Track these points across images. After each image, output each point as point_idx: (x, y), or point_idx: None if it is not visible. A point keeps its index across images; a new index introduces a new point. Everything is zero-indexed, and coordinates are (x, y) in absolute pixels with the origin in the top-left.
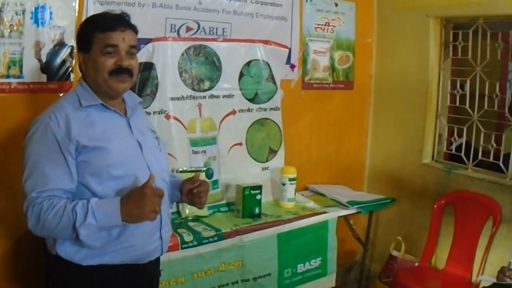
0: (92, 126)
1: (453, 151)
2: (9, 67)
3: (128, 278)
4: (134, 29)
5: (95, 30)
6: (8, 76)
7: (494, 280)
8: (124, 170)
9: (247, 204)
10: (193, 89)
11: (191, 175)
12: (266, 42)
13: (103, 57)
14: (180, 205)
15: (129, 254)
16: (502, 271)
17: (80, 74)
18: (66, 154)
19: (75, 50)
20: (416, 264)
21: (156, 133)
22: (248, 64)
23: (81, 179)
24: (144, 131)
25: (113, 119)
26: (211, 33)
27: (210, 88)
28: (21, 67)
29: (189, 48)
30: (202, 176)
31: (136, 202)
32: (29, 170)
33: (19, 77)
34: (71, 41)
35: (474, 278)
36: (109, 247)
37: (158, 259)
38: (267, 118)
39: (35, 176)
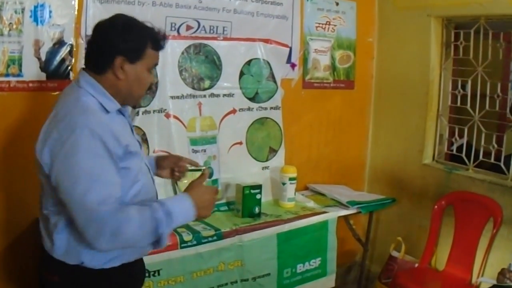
0: (122, 131)
1: (454, 152)
2: (8, 66)
3: (137, 271)
4: None
5: (148, 44)
6: (7, 75)
7: (495, 282)
8: (141, 172)
9: (247, 203)
10: (193, 88)
11: (193, 173)
12: (266, 41)
13: (148, 74)
14: None
15: (141, 249)
16: (502, 273)
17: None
18: (117, 160)
19: (75, 49)
20: (416, 265)
21: None
22: (249, 63)
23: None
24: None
25: (125, 122)
26: (211, 31)
27: (210, 87)
28: (20, 65)
29: (189, 47)
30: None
31: (208, 205)
32: (86, 182)
33: (19, 75)
34: (71, 39)
35: (474, 280)
36: (129, 246)
37: None
38: (267, 117)
39: (98, 188)
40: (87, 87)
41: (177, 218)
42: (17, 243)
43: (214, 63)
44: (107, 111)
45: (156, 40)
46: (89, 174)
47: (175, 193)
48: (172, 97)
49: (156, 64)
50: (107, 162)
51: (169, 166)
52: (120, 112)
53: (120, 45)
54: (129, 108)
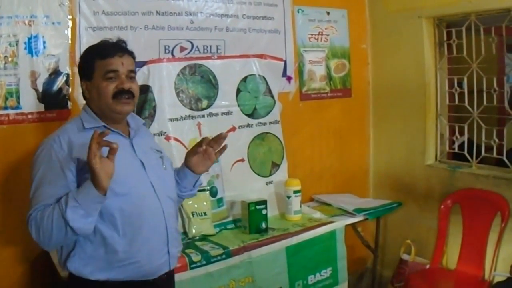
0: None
1: (456, 150)
2: (6, 99)
3: None
4: (131, 55)
5: (94, 58)
6: (6, 108)
7: (508, 275)
8: (126, 188)
9: (253, 219)
10: (191, 109)
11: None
12: (260, 56)
13: (105, 82)
14: (187, 225)
15: (135, 270)
16: None
17: (83, 101)
18: (67, 172)
19: (71, 78)
20: (427, 266)
21: (162, 152)
22: (245, 79)
23: None
24: (147, 151)
25: (115, 140)
26: (205, 51)
27: (208, 107)
28: (18, 98)
29: (184, 68)
30: (206, 194)
31: (99, 172)
32: (33, 190)
33: (17, 108)
34: (66, 68)
35: (486, 276)
36: (116, 262)
37: (171, 275)
38: (267, 132)
39: (37, 195)
40: (82, 113)
41: (80, 197)
42: (34, 266)
43: (210, 83)
44: (84, 127)
45: (99, 50)
46: (37, 183)
47: (185, 233)
48: (171, 120)
49: (112, 70)
50: (56, 174)
51: (196, 159)
52: (110, 129)
53: (80, 73)
54: (140, 128)
